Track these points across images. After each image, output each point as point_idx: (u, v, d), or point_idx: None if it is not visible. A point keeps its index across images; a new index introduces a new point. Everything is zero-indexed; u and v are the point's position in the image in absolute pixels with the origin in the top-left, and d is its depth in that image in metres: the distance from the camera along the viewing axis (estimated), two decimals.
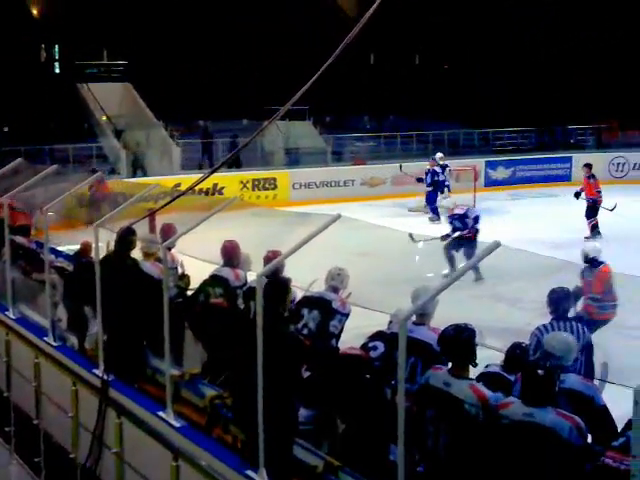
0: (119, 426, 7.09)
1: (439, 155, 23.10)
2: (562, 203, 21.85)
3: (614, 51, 34.53)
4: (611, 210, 19.40)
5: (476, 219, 15.75)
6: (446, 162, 22.72)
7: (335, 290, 7.45)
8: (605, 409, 5.19)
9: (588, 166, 19.98)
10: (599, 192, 19.15)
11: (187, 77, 28.25)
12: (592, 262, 9.90)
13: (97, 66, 28.14)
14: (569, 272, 9.65)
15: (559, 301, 6.86)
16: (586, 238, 17.86)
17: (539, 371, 4.76)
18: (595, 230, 18.69)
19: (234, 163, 24.82)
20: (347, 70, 26.10)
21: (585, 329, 6.58)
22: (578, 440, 4.57)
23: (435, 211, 21.24)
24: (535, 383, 4.73)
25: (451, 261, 13.09)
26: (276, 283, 6.37)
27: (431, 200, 21.64)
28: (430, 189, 21.88)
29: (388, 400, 5.47)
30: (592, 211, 19.02)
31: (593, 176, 19.69)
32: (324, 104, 28.39)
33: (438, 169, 22.09)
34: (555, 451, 4.57)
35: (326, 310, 7.12)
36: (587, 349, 6.58)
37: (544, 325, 6.79)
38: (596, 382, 5.58)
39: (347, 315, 7.28)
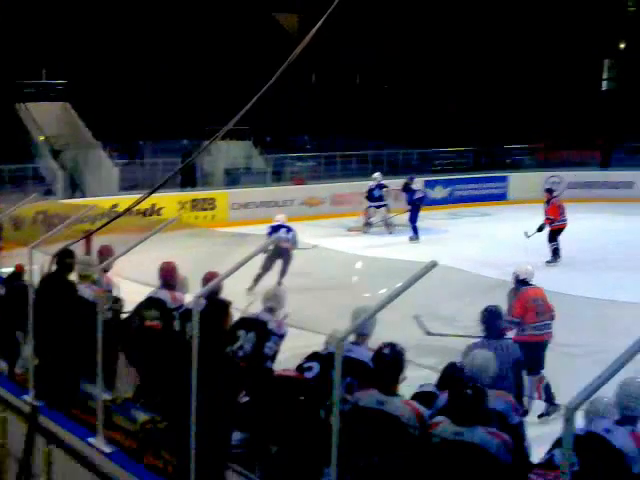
0: (48, 454, 6.92)
1: (377, 174, 23.25)
2: (498, 221, 22.20)
3: (551, 71, 35.23)
4: (528, 237, 18.94)
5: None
6: (382, 182, 22.87)
7: (271, 311, 7.28)
8: (516, 427, 5.23)
9: (548, 191, 19.91)
10: (549, 219, 18.90)
11: (127, 97, 28.02)
12: (521, 283, 9.76)
13: (35, 85, 27.80)
14: (505, 290, 9.80)
15: (490, 320, 6.87)
16: (547, 262, 18.07)
17: (467, 391, 4.81)
18: (556, 254, 18.46)
19: (190, 182, 24.75)
20: (288, 90, 26.15)
21: (515, 347, 6.64)
22: (506, 457, 4.63)
23: (415, 230, 21.46)
24: (463, 403, 4.78)
25: None
26: (215, 305, 6.35)
27: (413, 219, 21.73)
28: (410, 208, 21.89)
29: (322, 421, 5.46)
30: (551, 235, 18.80)
31: (548, 201, 19.37)
32: (265, 124, 28.42)
33: (416, 187, 22.20)
34: (485, 468, 4.62)
35: (262, 331, 6.94)
36: (516, 366, 6.64)
37: (474, 343, 6.83)
38: (526, 399, 5.64)
39: (282, 336, 7.14)
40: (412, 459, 4.89)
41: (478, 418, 4.75)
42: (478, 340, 6.85)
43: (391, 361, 5.27)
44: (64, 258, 7.83)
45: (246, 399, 6.05)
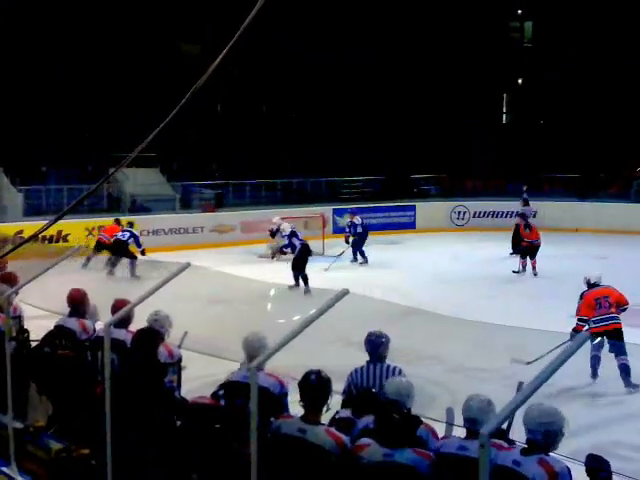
0: None
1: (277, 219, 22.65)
2: (407, 249, 22.51)
3: (455, 104, 36.07)
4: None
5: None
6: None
7: (159, 337, 6.82)
8: (450, 455, 5.27)
9: (522, 216, 21.74)
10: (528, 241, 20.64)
11: (30, 122, 27.44)
12: (591, 286, 12.18)
13: None
14: (415, 317, 9.95)
15: (374, 345, 6.85)
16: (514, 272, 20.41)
17: (394, 415, 4.84)
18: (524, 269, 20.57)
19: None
20: (195, 118, 26.05)
21: (400, 372, 6.70)
22: (431, 475, 4.69)
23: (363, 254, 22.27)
24: (392, 426, 4.81)
25: None
26: (146, 333, 6.25)
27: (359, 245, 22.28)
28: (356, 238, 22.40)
29: (239, 449, 5.40)
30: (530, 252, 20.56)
31: (528, 225, 20.99)
32: (172, 151, 28.23)
33: (357, 221, 22.70)
34: None
35: (156, 368, 6.40)
36: None
37: (357, 368, 6.81)
38: (439, 425, 5.68)
39: (179, 361, 6.91)
40: None
41: (407, 440, 4.79)
42: (360, 366, 6.79)
43: (317, 388, 5.25)
44: None
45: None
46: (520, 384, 5.70)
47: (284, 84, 34.28)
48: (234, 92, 33.23)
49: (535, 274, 20.37)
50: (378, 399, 5.63)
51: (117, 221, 21.83)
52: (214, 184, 30.23)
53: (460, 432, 5.27)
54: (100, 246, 20.76)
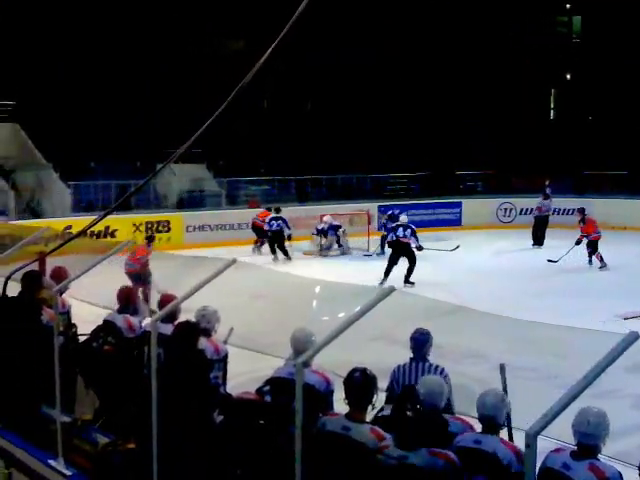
0: (7, 477, 6.82)
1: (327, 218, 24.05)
2: (453, 246, 22.32)
3: (502, 100, 35.80)
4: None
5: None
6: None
7: (206, 333, 7.00)
8: (466, 449, 5.23)
9: (580, 211, 22.41)
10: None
11: (78, 118, 27.78)
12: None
13: None
14: (460, 315, 9.88)
15: (418, 342, 6.84)
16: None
17: (409, 414, 4.82)
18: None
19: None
20: (241, 114, 26.18)
21: (442, 370, 6.68)
22: (454, 475, 4.67)
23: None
24: (406, 427, 4.79)
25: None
26: (185, 327, 6.31)
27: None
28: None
29: (283, 446, 5.42)
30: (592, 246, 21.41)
31: (583, 220, 21.97)
32: (218, 147, 28.39)
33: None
34: None
35: (202, 363, 6.44)
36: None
37: (400, 365, 6.83)
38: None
39: (225, 357, 6.98)
40: None
41: (423, 441, 4.75)
42: (404, 363, 6.81)
43: (362, 386, 5.25)
44: (30, 280, 7.71)
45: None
46: (502, 366, 5.69)
47: (329, 80, 34.26)
48: (280, 88, 33.33)
49: (601, 267, 20.87)
50: (416, 397, 5.61)
51: (268, 208, 24.26)
52: (260, 180, 30.34)
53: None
54: (256, 229, 23.60)
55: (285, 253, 22.43)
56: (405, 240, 18.54)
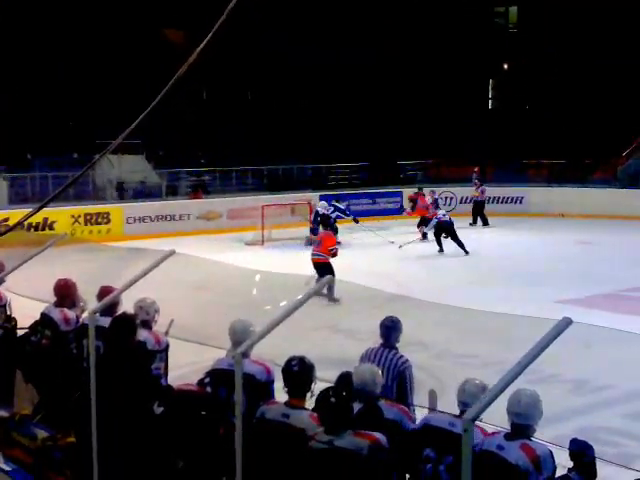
0: None
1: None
2: (394, 235, 22.51)
3: (441, 90, 36.09)
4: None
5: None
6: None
7: (146, 325, 6.94)
8: (412, 432, 5.31)
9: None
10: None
11: (14, 110, 27.30)
12: None
13: None
14: (401, 303, 9.97)
15: (386, 330, 6.95)
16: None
17: (331, 399, 4.87)
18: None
19: None
20: (180, 104, 25.97)
21: (401, 360, 6.77)
22: (380, 455, 4.73)
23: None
24: (329, 411, 4.84)
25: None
26: (122, 320, 6.26)
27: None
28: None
29: (225, 435, 5.42)
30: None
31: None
32: (157, 138, 28.14)
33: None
34: (358, 470, 4.70)
35: (142, 354, 6.47)
36: (399, 377, 6.75)
37: (371, 349, 6.94)
38: (424, 411, 5.73)
39: (166, 348, 6.94)
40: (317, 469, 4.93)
41: (347, 424, 4.80)
42: (374, 347, 6.91)
43: (299, 374, 5.29)
44: None
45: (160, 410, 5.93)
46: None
47: (269, 70, 34.18)
48: (220, 78, 33.14)
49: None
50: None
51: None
52: (200, 171, 30.16)
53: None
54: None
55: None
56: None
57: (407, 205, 27.61)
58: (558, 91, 35.75)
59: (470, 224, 26.96)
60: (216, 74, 31.31)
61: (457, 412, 5.19)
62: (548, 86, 36.40)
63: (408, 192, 28.78)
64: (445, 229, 21.49)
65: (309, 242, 23.17)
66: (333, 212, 22.87)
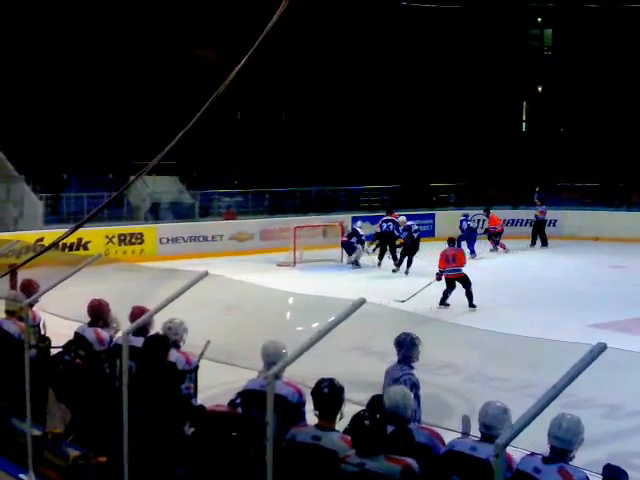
0: None
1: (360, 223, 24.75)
2: (425, 257, 22.39)
3: (474, 112, 36.03)
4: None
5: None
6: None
7: (174, 345, 7.04)
8: (438, 458, 5.26)
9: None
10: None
11: (50, 130, 27.65)
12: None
13: None
14: (431, 326, 9.95)
15: (400, 345, 7.01)
16: None
17: (365, 422, 4.85)
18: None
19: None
20: (214, 126, 26.13)
21: (402, 372, 6.79)
22: (411, 478, 4.69)
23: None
24: (363, 434, 4.82)
25: None
26: (155, 340, 6.30)
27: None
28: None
29: (255, 458, 5.42)
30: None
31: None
32: (191, 160, 28.34)
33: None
34: None
35: (173, 375, 6.53)
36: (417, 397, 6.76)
37: (389, 367, 7.02)
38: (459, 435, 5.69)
39: (196, 368, 7.02)
40: None
41: (380, 448, 4.79)
42: (392, 364, 6.96)
43: (330, 397, 5.28)
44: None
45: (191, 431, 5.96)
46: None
47: (304, 92, 34.34)
48: (254, 100, 33.35)
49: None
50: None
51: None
52: (233, 192, 30.30)
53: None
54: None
55: (394, 258, 22.68)
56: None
57: None
58: (592, 114, 35.55)
59: (530, 245, 27.20)
60: (250, 95, 31.50)
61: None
62: (582, 109, 36.22)
63: (440, 214, 28.80)
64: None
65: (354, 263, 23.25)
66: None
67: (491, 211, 27.39)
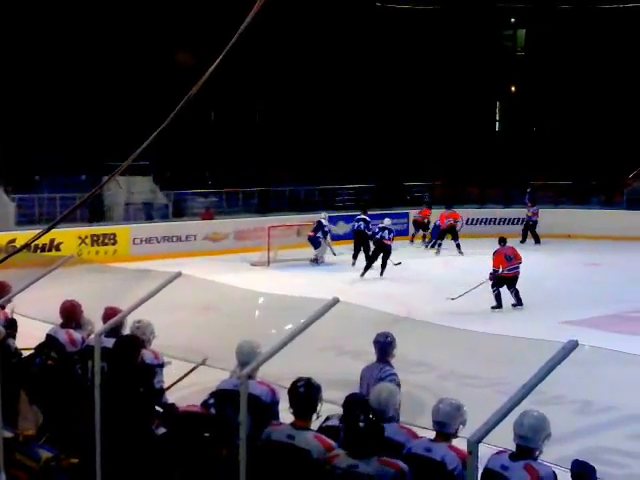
0: None
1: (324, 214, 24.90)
2: (400, 257, 22.45)
3: (447, 112, 36.17)
4: (395, 265, 21.58)
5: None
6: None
7: (143, 346, 6.97)
8: (417, 456, 5.22)
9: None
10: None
11: (24, 131, 27.43)
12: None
13: None
14: (405, 325, 9.97)
15: (379, 345, 7.15)
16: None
17: (360, 424, 4.85)
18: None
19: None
20: (188, 127, 26.04)
21: (385, 371, 6.89)
22: None
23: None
24: (357, 436, 4.83)
25: None
26: (127, 341, 6.28)
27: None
28: None
29: (229, 457, 5.42)
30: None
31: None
32: (165, 160, 28.22)
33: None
34: None
35: (145, 370, 6.61)
36: None
37: (366, 366, 7.14)
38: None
39: (162, 365, 7.05)
40: None
41: (373, 450, 4.79)
42: (370, 364, 7.07)
43: (305, 396, 5.29)
44: None
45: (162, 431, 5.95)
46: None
47: (277, 93, 34.32)
48: (227, 100, 33.26)
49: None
50: (366, 404, 5.65)
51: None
52: (207, 192, 30.22)
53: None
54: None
55: (367, 258, 22.39)
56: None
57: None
58: (565, 113, 35.83)
59: (520, 242, 27.00)
60: (224, 95, 31.42)
61: (468, 434, 5.18)
62: (555, 108, 36.49)
63: (414, 213, 28.95)
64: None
65: (317, 260, 23.42)
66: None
67: (454, 209, 27.57)
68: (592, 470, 4.67)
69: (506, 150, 35.36)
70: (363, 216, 23.75)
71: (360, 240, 23.24)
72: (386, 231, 21.68)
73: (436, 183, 34.46)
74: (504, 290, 17.30)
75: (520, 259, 17.54)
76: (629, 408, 9.74)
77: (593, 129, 33.84)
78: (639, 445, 8.64)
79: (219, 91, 27.73)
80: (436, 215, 27.81)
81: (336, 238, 25.19)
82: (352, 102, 34.91)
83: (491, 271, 17.40)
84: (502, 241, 18.24)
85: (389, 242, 21.49)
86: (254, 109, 35.94)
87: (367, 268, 21.60)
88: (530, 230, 28.52)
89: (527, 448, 4.74)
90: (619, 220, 28.96)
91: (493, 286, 17.36)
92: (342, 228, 26.11)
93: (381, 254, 21.57)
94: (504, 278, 17.34)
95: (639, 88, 33.09)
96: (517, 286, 17.29)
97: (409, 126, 35.40)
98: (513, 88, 40.09)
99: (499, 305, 17.21)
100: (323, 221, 23.95)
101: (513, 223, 30.25)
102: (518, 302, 17.31)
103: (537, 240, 28.20)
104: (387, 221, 22.60)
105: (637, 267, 22.03)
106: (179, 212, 28.84)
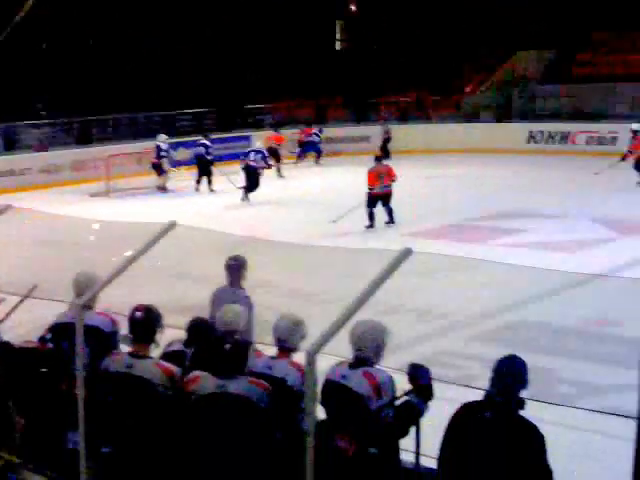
0: None
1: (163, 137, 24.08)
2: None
3: (287, 33, 35.88)
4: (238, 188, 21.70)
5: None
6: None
7: None
8: (259, 375, 5.11)
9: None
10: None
11: None
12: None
13: None
14: (248, 245, 9.92)
15: (231, 269, 7.18)
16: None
17: (226, 346, 4.82)
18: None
19: None
20: (17, 57, 24.76)
21: (241, 295, 6.90)
22: (267, 404, 4.72)
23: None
24: (224, 357, 4.80)
25: None
26: None
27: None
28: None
29: (63, 391, 5.27)
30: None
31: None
32: None
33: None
34: (249, 416, 4.69)
35: None
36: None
37: (217, 289, 7.14)
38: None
39: None
40: (167, 419, 4.85)
41: (241, 370, 4.79)
42: (221, 287, 7.06)
43: (144, 322, 5.18)
44: None
45: None
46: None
47: (112, 15, 32.98)
48: (59, 28, 31.75)
49: None
50: (211, 327, 5.62)
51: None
52: (40, 123, 28.97)
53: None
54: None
55: (209, 182, 23.22)
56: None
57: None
58: (406, 32, 36.26)
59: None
60: (56, 23, 29.98)
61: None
62: (395, 27, 36.83)
63: (256, 136, 28.75)
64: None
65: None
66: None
67: (279, 131, 27.81)
68: (425, 371, 4.79)
69: (346, 69, 35.55)
70: (204, 140, 23.48)
71: (202, 165, 23.05)
72: (251, 153, 21.87)
73: (275, 104, 34.29)
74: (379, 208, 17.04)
75: (394, 176, 17.22)
76: (466, 311, 10.14)
77: (430, 44, 34.42)
78: (475, 346, 8.99)
79: (51, 20, 26.53)
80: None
81: (175, 165, 24.69)
82: (190, 23, 34.04)
83: (366, 190, 17.07)
84: (377, 159, 17.95)
85: (253, 163, 21.51)
86: (87, 34, 34.47)
87: (246, 192, 21.45)
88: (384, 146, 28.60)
89: (361, 357, 4.81)
90: (455, 133, 29.86)
91: (367, 206, 17.01)
92: (184, 154, 25.62)
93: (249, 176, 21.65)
94: (377, 196, 17.09)
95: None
96: None
97: (250, 47, 34.91)
98: (353, 7, 40.12)
99: (372, 224, 16.85)
100: (161, 144, 23.45)
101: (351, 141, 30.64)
102: (390, 220, 17.03)
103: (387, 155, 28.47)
104: (258, 144, 23.13)
105: (477, 177, 22.84)
106: (11, 145, 27.56)
